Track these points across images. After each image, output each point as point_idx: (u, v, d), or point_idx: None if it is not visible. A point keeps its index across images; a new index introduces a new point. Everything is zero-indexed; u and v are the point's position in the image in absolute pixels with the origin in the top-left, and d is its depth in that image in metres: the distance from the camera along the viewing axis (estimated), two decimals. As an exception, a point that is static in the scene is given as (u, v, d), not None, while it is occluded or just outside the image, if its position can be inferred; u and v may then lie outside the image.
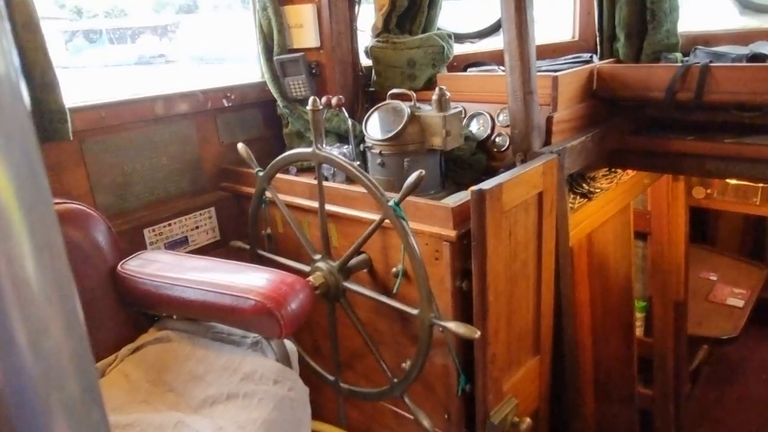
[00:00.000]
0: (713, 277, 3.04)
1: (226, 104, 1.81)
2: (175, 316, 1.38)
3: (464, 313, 1.32)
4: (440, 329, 1.24)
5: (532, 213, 1.37)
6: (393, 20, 1.82)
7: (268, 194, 1.54)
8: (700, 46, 1.78)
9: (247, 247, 1.66)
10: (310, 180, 1.55)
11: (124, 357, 1.32)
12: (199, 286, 1.22)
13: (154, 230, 1.64)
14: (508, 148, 1.59)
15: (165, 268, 1.31)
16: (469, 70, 1.95)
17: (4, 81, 0.25)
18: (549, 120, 1.52)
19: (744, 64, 1.60)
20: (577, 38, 2.36)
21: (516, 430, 1.41)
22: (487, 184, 1.20)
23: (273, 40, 1.75)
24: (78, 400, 0.29)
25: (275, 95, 1.80)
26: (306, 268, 1.47)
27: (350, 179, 1.39)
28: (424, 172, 1.18)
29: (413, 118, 1.47)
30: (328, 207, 1.46)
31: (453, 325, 1.20)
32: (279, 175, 1.55)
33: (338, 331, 1.51)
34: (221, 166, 1.83)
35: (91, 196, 1.55)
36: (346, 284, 1.41)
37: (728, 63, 1.61)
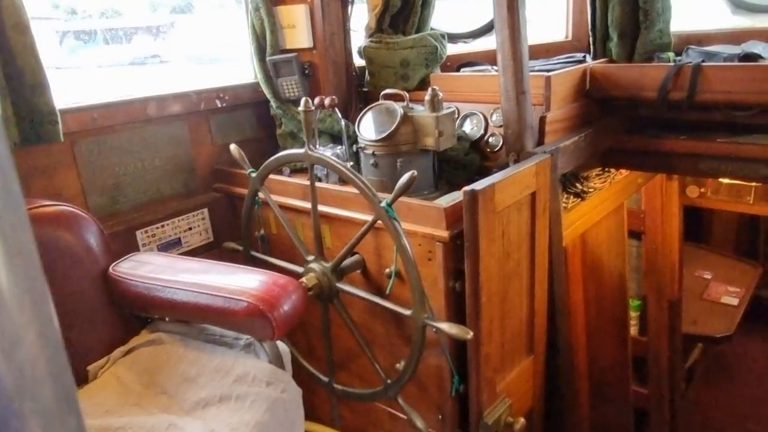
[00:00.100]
0: (708, 276, 3.04)
1: (219, 105, 1.80)
2: (167, 318, 1.38)
3: (457, 314, 1.32)
4: (433, 330, 1.24)
5: (525, 213, 1.37)
6: (386, 20, 1.82)
7: (261, 195, 1.54)
8: (692, 46, 1.79)
9: (241, 248, 1.66)
10: (303, 181, 1.55)
11: (116, 359, 1.31)
12: (190, 288, 1.21)
13: (146, 232, 1.64)
14: (501, 148, 1.59)
15: (157, 269, 1.30)
16: (462, 70, 1.95)
17: None
18: (542, 120, 1.52)
19: (736, 63, 1.61)
20: (570, 38, 2.36)
21: (510, 430, 1.41)
22: (479, 185, 1.20)
23: (266, 40, 1.74)
24: (53, 408, 0.29)
25: (268, 96, 1.80)
26: (299, 270, 1.47)
27: (343, 180, 1.38)
28: (416, 172, 1.18)
29: (406, 118, 1.47)
30: (322, 208, 1.45)
31: (446, 326, 1.20)
32: (272, 176, 1.55)
33: (332, 331, 1.51)
34: (214, 167, 1.82)
35: (83, 198, 1.54)
36: (340, 285, 1.40)
37: (720, 62, 1.62)
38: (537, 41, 2.29)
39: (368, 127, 1.52)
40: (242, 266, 1.31)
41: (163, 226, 1.67)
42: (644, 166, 1.88)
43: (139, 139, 1.64)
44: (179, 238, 1.72)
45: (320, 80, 1.80)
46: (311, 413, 1.73)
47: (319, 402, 1.73)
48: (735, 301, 2.82)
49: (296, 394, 1.21)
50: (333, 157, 1.36)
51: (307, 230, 1.52)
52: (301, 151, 1.38)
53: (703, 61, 1.54)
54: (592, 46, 1.92)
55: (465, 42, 2.26)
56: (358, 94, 1.88)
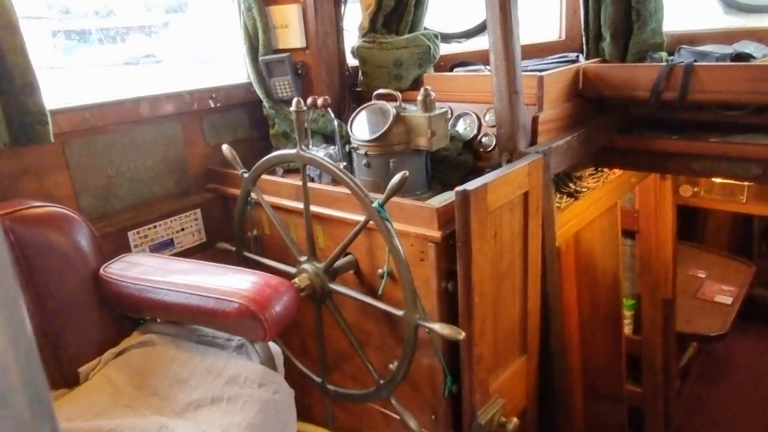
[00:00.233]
0: (702, 275, 3.05)
1: (212, 105, 1.79)
2: (158, 320, 1.37)
3: (450, 314, 1.32)
4: (426, 330, 1.23)
5: (518, 213, 1.37)
6: (379, 20, 1.81)
7: (253, 196, 1.53)
8: (684, 46, 1.79)
9: (233, 249, 1.65)
10: (296, 181, 1.54)
11: (107, 361, 1.30)
12: (182, 289, 1.21)
13: (138, 233, 1.63)
14: (494, 148, 1.59)
15: (148, 271, 1.30)
16: (455, 70, 1.95)
17: None
18: (535, 120, 1.52)
19: (728, 63, 1.61)
20: (563, 38, 2.36)
21: (503, 430, 1.41)
22: (471, 185, 1.19)
23: (258, 40, 1.74)
24: (27, 416, 0.29)
25: (261, 96, 1.79)
26: (292, 270, 1.46)
27: (336, 180, 1.38)
28: (407, 173, 1.18)
29: (399, 118, 1.46)
30: (315, 208, 1.45)
31: (438, 327, 1.19)
32: (264, 177, 1.54)
33: (325, 332, 1.51)
34: (207, 167, 1.81)
35: (74, 199, 1.53)
36: (332, 286, 1.40)
37: (712, 62, 1.62)
38: (531, 41, 2.29)
39: (361, 127, 1.52)
40: (234, 267, 1.30)
41: (155, 226, 1.67)
42: (637, 166, 1.88)
43: (131, 140, 1.64)
44: (172, 239, 1.71)
45: (313, 80, 1.79)
46: (305, 414, 1.73)
47: (312, 402, 1.73)
48: (729, 300, 2.83)
49: (288, 395, 1.21)
50: (325, 158, 1.36)
51: (300, 231, 1.51)
52: (293, 151, 1.37)
53: (695, 61, 1.55)
54: (585, 46, 1.92)
55: (458, 42, 2.25)
56: (351, 94, 1.88)
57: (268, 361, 1.23)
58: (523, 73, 1.47)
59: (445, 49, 2.03)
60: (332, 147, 1.68)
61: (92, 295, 1.31)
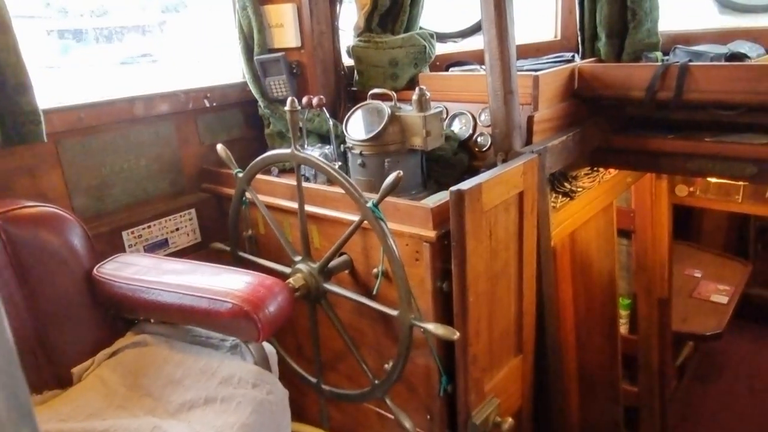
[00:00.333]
0: (698, 274, 3.06)
1: (207, 104, 1.79)
2: (152, 320, 1.37)
3: (445, 314, 1.32)
4: (421, 330, 1.23)
5: (513, 213, 1.37)
6: (375, 19, 1.81)
7: (248, 195, 1.53)
8: (680, 45, 1.79)
9: (228, 249, 1.65)
10: (290, 181, 1.54)
11: (100, 362, 1.30)
12: (175, 290, 1.20)
13: (132, 233, 1.62)
14: (489, 147, 1.58)
15: (142, 271, 1.29)
16: (451, 69, 1.95)
17: None
18: (530, 119, 1.52)
19: (722, 63, 1.61)
20: (559, 37, 2.36)
21: (498, 430, 1.41)
22: (466, 184, 1.19)
23: (253, 39, 1.73)
24: (5, 420, 0.28)
25: (256, 95, 1.79)
26: (287, 270, 1.46)
27: (331, 180, 1.38)
28: (401, 172, 1.18)
29: (394, 118, 1.46)
30: (310, 208, 1.45)
31: (432, 327, 1.19)
32: (259, 176, 1.54)
33: (320, 332, 1.51)
34: (202, 167, 1.81)
35: (67, 199, 1.52)
36: (327, 286, 1.40)
37: (707, 62, 1.62)
38: (527, 41, 2.29)
39: (356, 127, 1.51)
40: (228, 267, 1.30)
41: (149, 226, 1.66)
42: (632, 166, 1.88)
43: (125, 139, 1.63)
44: (166, 239, 1.71)
45: (308, 80, 1.79)
46: (300, 414, 1.73)
47: (307, 403, 1.73)
48: (725, 299, 2.83)
49: (282, 395, 1.21)
50: (319, 157, 1.35)
51: (295, 230, 1.51)
52: (288, 151, 1.37)
53: (690, 61, 1.55)
54: (580, 46, 1.92)
55: (454, 41, 2.25)
56: (346, 93, 1.88)
57: (263, 362, 1.23)
58: (519, 73, 1.47)
59: (440, 48, 2.02)
60: (327, 147, 1.68)
61: (85, 296, 1.31)
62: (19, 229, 1.23)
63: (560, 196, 1.73)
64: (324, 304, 1.42)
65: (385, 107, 1.48)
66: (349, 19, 1.86)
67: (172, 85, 1.74)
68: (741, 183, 2.43)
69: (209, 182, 1.79)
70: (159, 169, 1.71)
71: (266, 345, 1.27)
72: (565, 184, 1.73)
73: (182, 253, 1.74)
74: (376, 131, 1.45)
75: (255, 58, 1.73)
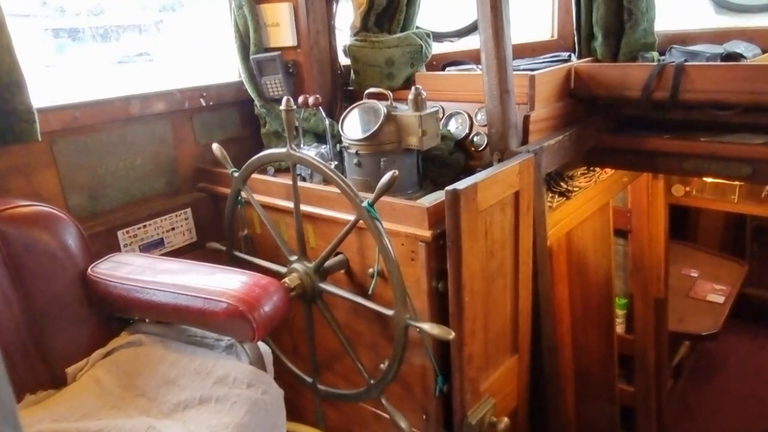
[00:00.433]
0: (694, 274, 3.07)
1: (203, 104, 1.78)
2: (147, 320, 1.36)
3: (441, 314, 1.32)
4: (416, 330, 1.23)
5: (509, 212, 1.37)
6: (371, 19, 1.81)
7: (243, 195, 1.53)
8: (676, 45, 1.79)
9: (224, 248, 1.65)
10: (286, 180, 1.53)
11: (95, 362, 1.29)
12: (170, 289, 1.20)
13: (128, 232, 1.62)
14: (486, 147, 1.58)
15: (136, 270, 1.29)
16: (447, 69, 1.95)
17: None
18: (526, 119, 1.52)
19: (718, 63, 1.61)
20: (556, 37, 2.37)
21: (494, 430, 1.41)
22: (461, 184, 1.19)
23: (249, 38, 1.73)
24: (-12, 420, 0.28)
25: (252, 95, 1.78)
26: (283, 270, 1.45)
27: (327, 179, 1.37)
28: (397, 172, 1.18)
29: (390, 117, 1.46)
30: (306, 208, 1.44)
31: (428, 326, 1.19)
32: (255, 176, 1.54)
33: (316, 332, 1.50)
34: (198, 166, 1.80)
35: (62, 198, 1.52)
36: (323, 285, 1.39)
37: (703, 62, 1.62)
38: (523, 40, 2.29)
39: (352, 127, 1.51)
40: (224, 267, 1.29)
41: (145, 226, 1.65)
42: (628, 165, 1.89)
43: (121, 139, 1.62)
44: (162, 239, 1.70)
45: (305, 79, 1.79)
46: (296, 413, 1.73)
47: (304, 402, 1.72)
48: (721, 299, 2.84)
49: (278, 395, 1.20)
50: (315, 157, 1.35)
51: (291, 230, 1.50)
52: (283, 150, 1.37)
53: (686, 61, 1.55)
54: (577, 46, 1.93)
55: (451, 41, 2.25)
56: (343, 93, 1.87)
57: (258, 362, 1.23)
58: (515, 73, 1.47)
59: (437, 48, 2.02)
60: (324, 146, 1.68)
61: (80, 295, 1.30)
62: (14, 229, 1.22)
63: (556, 196, 1.73)
64: (320, 303, 1.42)
65: (381, 107, 1.47)
66: (346, 18, 1.86)
67: (169, 85, 1.73)
68: (737, 183, 2.44)
69: (205, 182, 1.79)
70: (155, 168, 1.71)
71: (261, 345, 1.27)
72: (562, 183, 1.73)
73: (178, 253, 1.74)
74: (372, 131, 1.45)
75: (251, 57, 1.73)
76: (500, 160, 1.42)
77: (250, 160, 1.45)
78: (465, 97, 1.66)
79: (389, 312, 1.26)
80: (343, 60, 1.88)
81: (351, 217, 1.29)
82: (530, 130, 1.52)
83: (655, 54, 1.75)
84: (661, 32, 1.84)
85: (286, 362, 1.60)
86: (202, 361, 1.23)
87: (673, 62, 1.54)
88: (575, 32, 1.92)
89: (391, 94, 1.50)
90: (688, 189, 2.59)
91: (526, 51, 2.16)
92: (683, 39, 1.93)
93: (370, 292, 1.36)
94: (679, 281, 2.94)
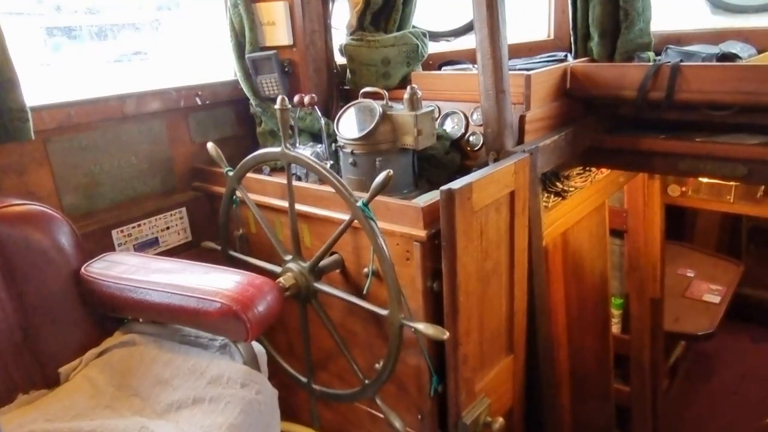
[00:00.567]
0: (690, 274, 3.07)
1: (198, 102, 1.78)
2: (141, 319, 1.36)
3: (435, 314, 1.31)
4: (411, 330, 1.23)
5: (504, 212, 1.37)
6: (368, 18, 1.80)
7: (238, 194, 1.52)
8: (671, 46, 1.79)
9: (219, 248, 1.64)
10: (281, 180, 1.53)
11: (88, 361, 1.29)
12: (163, 289, 1.19)
13: (122, 231, 1.61)
14: (482, 147, 1.58)
15: (130, 270, 1.28)
16: (443, 68, 1.94)
17: None
18: (522, 119, 1.51)
19: (714, 63, 1.61)
20: (552, 37, 2.36)
21: (489, 430, 1.40)
22: (456, 184, 1.19)
23: (245, 37, 1.72)
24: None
25: (248, 94, 1.78)
26: (278, 269, 1.45)
27: (322, 179, 1.37)
28: (391, 171, 1.17)
29: (385, 117, 1.46)
30: (301, 207, 1.44)
31: (422, 326, 1.19)
32: (250, 175, 1.53)
33: (311, 331, 1.50)
34: (193, 165, 1.80)
35: (56, 197, 1.51)
36: (318, 285, 1.39)
37: (698, 62, 1.62)
38: (520, 40, 2.29)
39: (347, 126, 1.51)
40: (218, 266, 1.29)
41: (139, 225, 1.65)
42: (624, 165, 1.89)
43: (115, 137, 1.62)
44: (156, 238, 1.69)
45: (300, 78, 1.78)
46: (291, 413, 1.72)
47: (299, 402, 1.72)
48: (717, 299, 2.85)
49: (272, 395, 1.20)
50: (311, 156, 1.35)
51: (286, 229, 1.50)
52: (278, 149, 1.36)
53: (681, 61, 1.55)
54: (573, 45, 1.92)
55: (447, 40, 2.25)
56: (339, 92, 1.87)
57: (252, 362, 1.22)
58: (511, 72, 1.47)
59: (433, 47, 2.02)
60: (319, 145, 1.67)
61: (73, 295, 1.30)
62: (6, 228, 1.22)
63: (552, 196, 1.73)
64: (314, 303, 1.42)
65: (377, 106, 1.47)
66: (342, 17, 1.85)
67: (166, 83, 1.73)
68: (733, 183, 2.44)
69: (200, 181, 1.78)
70: (149, 167, 1.70)
71: (255, 345, 1.26)
72: (557, 183, 1.73)
73: (173, 252, 1.73)
74: (368, 130, 1.44)
75: (246, 56, 1.72)
76: (496, 160, 1.42)
77: (244, 159, 1.45)
78: (461, 96, 1.66)
79: (384, 312, 1.26)
80: (339, 59, 1.87)
81: (346, 217, 1.29)
82: (526, 130, 1.52)
83: (651, 54, 1.75)
84: (657, 32, 1.84)
85: (280, 362, 1.60)
86: (195, 361, 1.22)
87: (668, 62, 1.54)
88: (571, 32, 1.91)
89: (386, 94, 1.50)
90: (684, 189, 2.59)
91: (522, 51, 2.16)
92: (679, 39, 1.93)
93: (365, 291, 1.36)
94: (675, 281, 2.95)
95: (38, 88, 1.57)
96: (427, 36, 1.84)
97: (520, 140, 1.52)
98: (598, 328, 2.18)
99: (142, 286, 1.23)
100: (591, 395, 2.20)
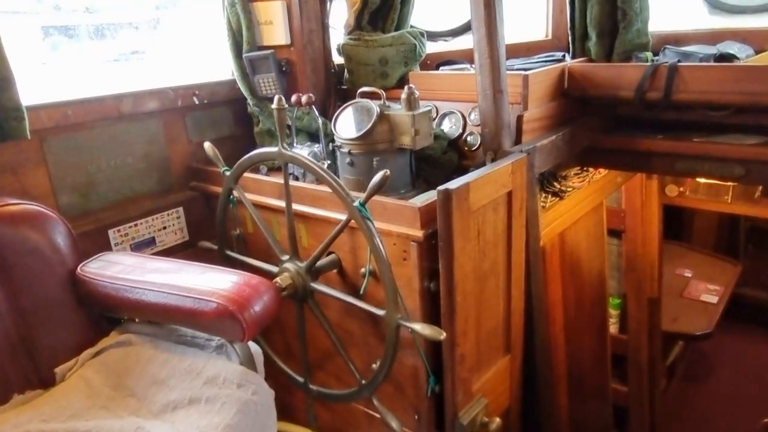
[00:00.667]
0: (688, 274, 3.07)
1: (195, 102, 1.77)
2: (137, 319, 1.36)
3: (433, 314, 1.31)
4: (408, 330, 1.22)
5: (502, 212, 1.37)
6: (365, 17, 1.80)
7: (235, 194, 1.52)
8: (669, 46, 1.79)
9: (216, 247, 1.64)
10: (279, 180, 1.52)
11: (84, 361, 1.28)
12: (160, 289, 1.19)
13: (119, 231, 1.61)
14: (479, 146, 1.58)
15: (126, 270, 1.28)
16: (441, 68, 1.94)
17: None
18: (519, 119, 1.51)
19: (711, 63, 1.61)
20: (550, 37, 2.36)
21: (486, 430, 1.40)
22: (453, 184, 1.19)
23: (242, 36, 1.72)
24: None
25: (245, 93, 1.77)
26: (274, 269, 1.45)
27: (319, 179, 1.37)
28: (388, 171, 1.17)
29: (382, 116, 1.45)
30: (298, 207, 1.44)
31: (419, 327, 1.19)
32: (247, 175, 1.53)
33: (308, 331, 1.50)
34: (190, 165, 1.79)
35: (52, 197, 1.51)
36: (314, 285, 1.39)
37: (696, 63, 1.62)
38: (518, 40, 2.29)
39: (344, 126, 1.51)
40: (215, 266, 1.28)
41: (136, 225, 1.64)
42: (622, 166, 1.89)
43: (112, 137, 1.61)
44: (153, 238, 1.69)
45: (298, 78, 1.78)
46: (288, 413, 1.72)
47: (295, 402, 1.72)
48: (715, 299, 2.85)
49: (268, 395, 1.20)
50: (308, 156, 1.34)
51: (283, 229, 1.50)
52: (275, 149, 1.36)
53: (679, 61, 1.55)
54: (571, 45, 1.92)
55: (445, 40, 2.25)
56: (336, 91, 1.87)
57: (248, 362, 1.22)
58: (508, 72, 1.46)
59: (431, 47, 2.02)
60: (317, 145, 1.67)
61: (69, 295, 1.29)
62: (2, 227, 1.21)
63: (550, 196, 1.73)
64: (311, 303, 1.41)
65: (374, 106, 1.47)
66: (340, 16, 1.85)
67: (164, 83, 1.72)
68: (730, 183, 2.44)
69: (197, 180, 1.78)
70: (147, 166, 1.70)
71: (252, 345, 1.26)
72: (555, 183, 1.73)
73: (170, 252, 1.73)
74: (365, 130, 1.44)
75: (244, 55, 1.72)
76: (493, 160, 1.42)
77: (241, 159, 1.45)
78: (458, 96, 1.65)
79: (381, 312, 1.25)
80: (337, 59, 1.87)
81: (343, 217, 1.28)
82: (523, 130, 1.52)
83: (648, 54, 1.75)
84: (654, 33, 1.84)
85: (277, 362, 1.60)
86: (192, 362, 1.22)
87: (666, 63, 1.54)
88: (569, 32, 1.91)
89: (384, 94, 1.49)
90: (681, 189, 2.59)
91: (520, 50, 2.16)
92: (677, 39, 1.93)
93: (361, 291, 1.36)
94: (672, 281, 2.95)
95: (36, 87, 1.57)
96: (425, 36, 1.84)
97: (518, 140, 1.52)
98: (596, 328, 2.18)
99: (139, 286, 1.22)
100: (588, 395, 2.20)
